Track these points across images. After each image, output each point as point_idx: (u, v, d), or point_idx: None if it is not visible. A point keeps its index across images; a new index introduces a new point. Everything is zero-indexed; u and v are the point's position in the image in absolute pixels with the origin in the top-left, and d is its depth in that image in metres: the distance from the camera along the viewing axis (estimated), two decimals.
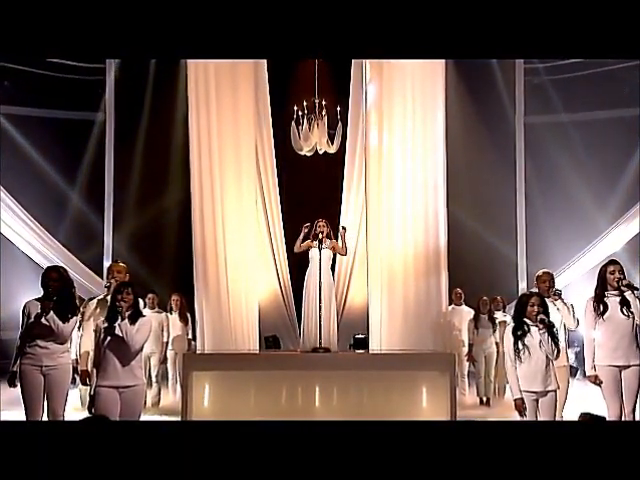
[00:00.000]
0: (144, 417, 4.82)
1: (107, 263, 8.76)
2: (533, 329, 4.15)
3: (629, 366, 4.39)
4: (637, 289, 4.43)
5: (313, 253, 6.27)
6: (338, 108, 7.47)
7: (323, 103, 7.35)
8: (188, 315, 7.57)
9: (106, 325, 4.10)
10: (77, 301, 4.49)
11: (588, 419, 3.02)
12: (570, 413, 4.83)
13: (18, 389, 4.25)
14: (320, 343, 6.10)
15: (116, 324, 4.06)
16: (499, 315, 7.45)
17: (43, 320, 4.15)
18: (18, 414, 4.40)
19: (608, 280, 4.47)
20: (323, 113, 7.37)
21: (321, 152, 7.69)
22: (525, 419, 4.13)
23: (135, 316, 4.14)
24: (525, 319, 4.19)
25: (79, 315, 4.52)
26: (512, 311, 4.51)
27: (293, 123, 7.42)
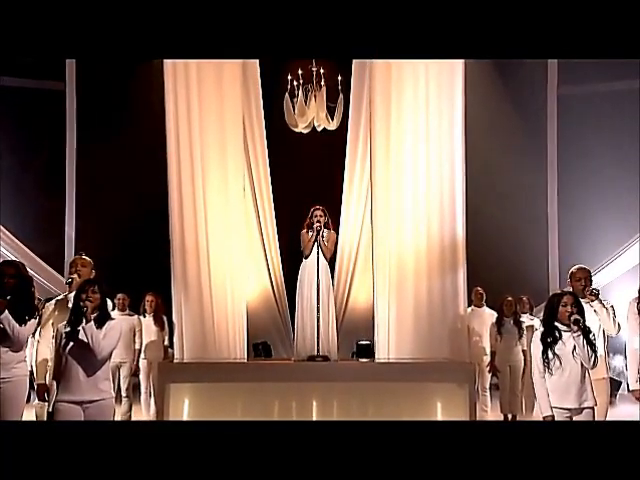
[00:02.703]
0: None
1: (69, 257, 8.74)
2: (566, 335, 4.13)
3: None
4: None
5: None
6: (339, 77, 7.44)
7: (321, 71, 7.32)
8: (164, 318, 7.57)
9: (68, 329, 4.09)
10: (35, 302, 4.47)
11: None
12: None
13: None
14: (318, 350, 6.11)
15: (80, 327, 4.04)
16: (526, 319, 7.45)
17: None
18: None
19: None
20: (322, 83, 7.35)
21: (319, 129, 7.67)
22: None
23: (102, 319, 4.13)
24: (556, 323, 4.18)
25: (36, 319, 4.50)
26: (541, 314, 4.49)
27: (287, 95, 7.39)
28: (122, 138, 9.40)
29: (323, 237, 6.34)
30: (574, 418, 4.13)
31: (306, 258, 6.33)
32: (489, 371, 7.49)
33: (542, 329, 4.26)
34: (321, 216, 6.33)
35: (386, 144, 7.11)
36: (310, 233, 6.33)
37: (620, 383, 8.07)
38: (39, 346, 4.93)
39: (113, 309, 5.94)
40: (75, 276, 4.86)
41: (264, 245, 8.07)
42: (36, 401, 5.47)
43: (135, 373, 7.29)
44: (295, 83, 7.31)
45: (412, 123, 7.10)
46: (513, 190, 9.40)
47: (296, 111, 7.36)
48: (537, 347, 4.21)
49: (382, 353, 6.85)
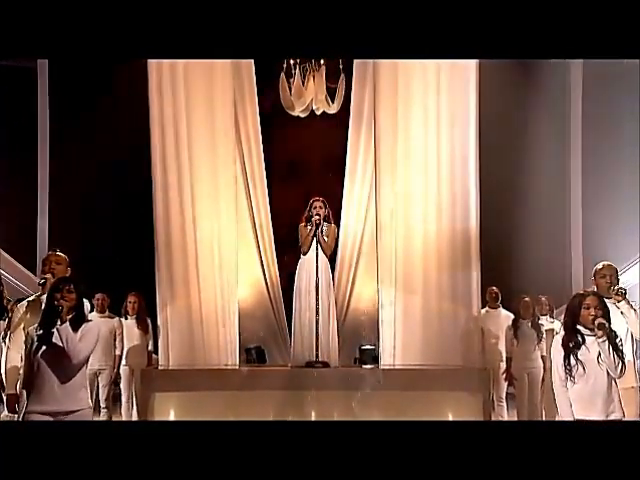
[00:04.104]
0: None
1: (42, 254, 8.71)
2: (589, 340, 4.11)
3: None
4: None
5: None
6: None
7: None
8: (148, 321, 7.55)
9: (40, 332, 4.06)
10: (4, 302, 4.46)
11: None
12: None
13: None
14: (316, 356, 6.13)
15: (53, 329, 4.02)
16: (545, 321, 7.43)
17: None
18: None
19: None
20: (321, 62, 7.32)
21: (318, 112, 7.65)
22: None
23: (78, 320, 4.10)
24: (579, 326, 4.16)
25: (5, 321, 4.49)
26: (562, 316, 4.47)
27: (282, 75, 7.37)
28: (101, 125, 9.36)
29: (323, 231, 6.34)
30: None
31: (304, 254, 6.32)
32: (505, 379, 7.46)
33: (563, 333, 4.23)
34: (321, 208, 6.33)
35: (392, 129, 7.09)
36: (309, 227, 6.33)
37: None
38: (9, 352, 4.90)
39: (91, 310, 5.90)
40: (49, 275, 4.83)
41: (258, 241, 8.05)
42: (5, 413, 5.47)
43: (115, 381, 7.28)
44: (292, 62, 7.28)
45: (421, 106, 7.07)
46: (532, 180, 9.36)
47: (293, 93, 7.35)
48: (558, 353, 4.19)
49: (387, 359, 6.85)
